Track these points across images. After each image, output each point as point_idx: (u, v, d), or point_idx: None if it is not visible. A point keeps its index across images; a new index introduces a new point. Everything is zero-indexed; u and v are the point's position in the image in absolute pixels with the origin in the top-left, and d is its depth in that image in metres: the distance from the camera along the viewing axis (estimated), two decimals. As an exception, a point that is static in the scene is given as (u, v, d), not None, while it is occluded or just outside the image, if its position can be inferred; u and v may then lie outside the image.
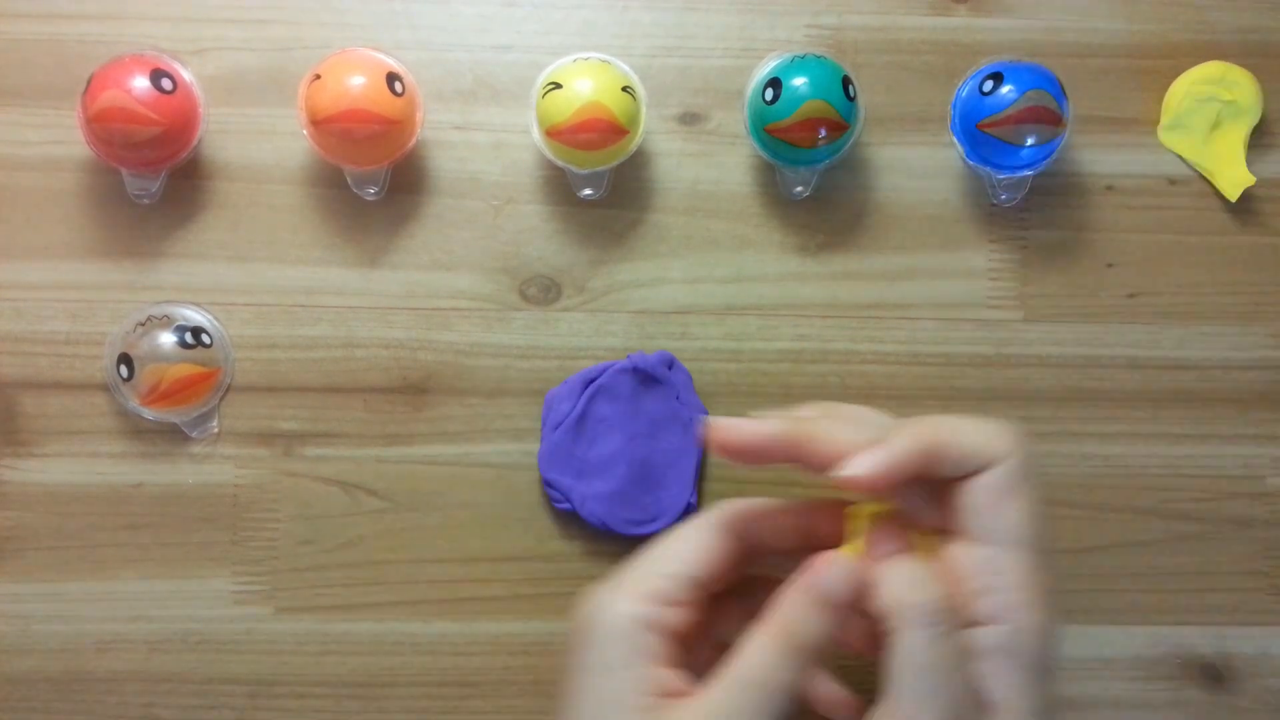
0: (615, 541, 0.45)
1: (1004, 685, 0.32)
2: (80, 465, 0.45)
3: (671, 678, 0.34)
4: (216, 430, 0.45)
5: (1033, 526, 0.33)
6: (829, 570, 0.33)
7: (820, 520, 0.36)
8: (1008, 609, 0.32)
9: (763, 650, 0.32)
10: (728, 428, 0.35)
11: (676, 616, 0.34)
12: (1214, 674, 0.46)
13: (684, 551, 0.35)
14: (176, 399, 0.44)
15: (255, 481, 0.45)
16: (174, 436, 0.45)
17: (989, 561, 0.33)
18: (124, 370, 0.43)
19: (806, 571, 0.33)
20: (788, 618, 0.33)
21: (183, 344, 0.44)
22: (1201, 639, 0.46)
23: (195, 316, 0.45)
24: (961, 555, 0.33)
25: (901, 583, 0.32)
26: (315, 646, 0.45)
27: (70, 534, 0.45)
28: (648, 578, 0.35)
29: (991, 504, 0.33)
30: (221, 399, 0.45)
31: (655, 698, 0.33)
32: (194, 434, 0.45)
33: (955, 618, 0.32)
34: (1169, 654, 0.46)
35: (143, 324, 0.44)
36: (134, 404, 0.44)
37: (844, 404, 0.36)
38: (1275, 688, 0.46)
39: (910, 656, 0.31)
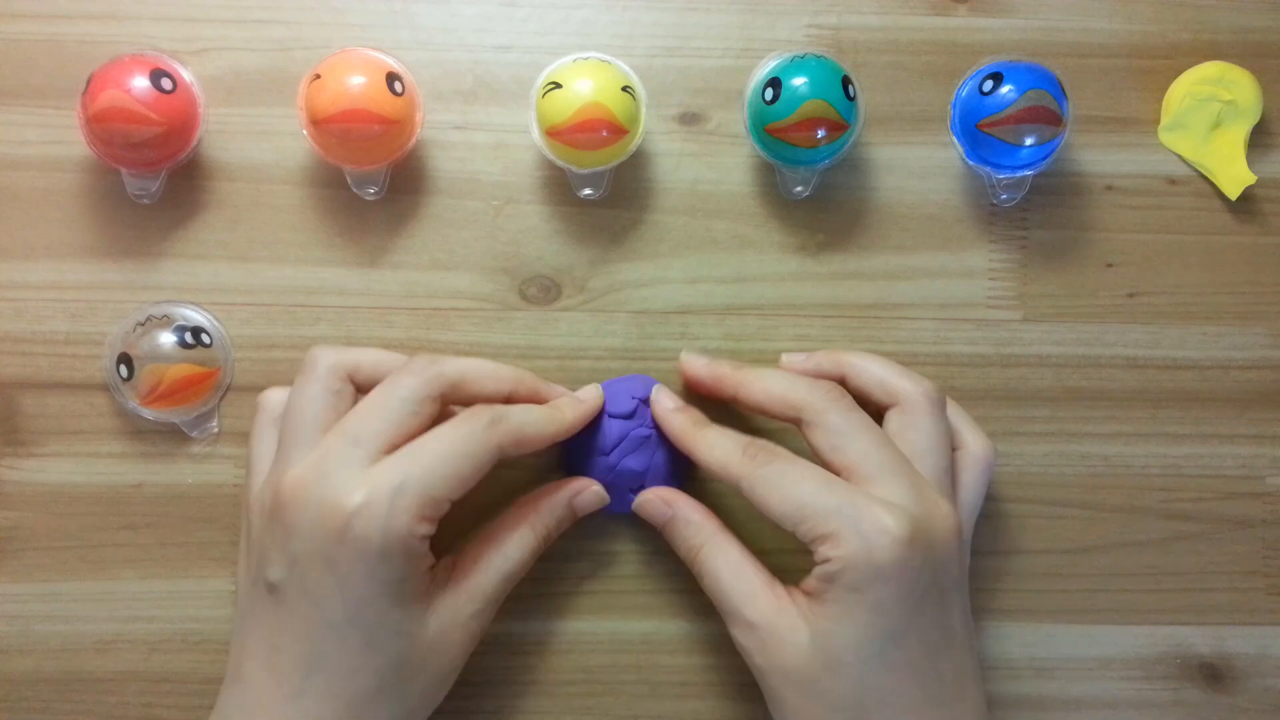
0: (616, 540, 0.45)
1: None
2: (80, 465, 0.45)
3: (429, 561, 0.39)
4: (216, 430, 0.45)
5: (927, 456, 0.40)
6: (589, 496, 0.43)
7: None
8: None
9: (517, 536, 0.41)
10: (790, 361, 0.44)
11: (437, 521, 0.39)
12: (1213, 674, 0.46)
13: (462, 470, 0.39)
14: (176, 399, 0.44)
15: (255, 481, 0.45)
16: (174, 436, 0.45)
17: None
18: (124, 370, 0.43)
19: (570, 487, 0.43)
20: (549, 520, 0.42)
21: (183, 344, 0.44)
22: (1201, 639, 0.46)
23: (195, 316, 0.45)
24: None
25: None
26: (315, 646, 0.45)
27: (70, 534, 0.45)
28: (426, 497, 0.38)
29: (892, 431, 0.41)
30: (221, 399, 0.45)
31: (420, 583, 0.38)
32: (194, 434, 0.45)
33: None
34: (1169, 654, 0.46)
35: (143, 324, 0.44)
36: (134, 404, 0.44)
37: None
38: (1275, 688, 0.46)
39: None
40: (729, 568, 0.40)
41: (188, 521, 0.45)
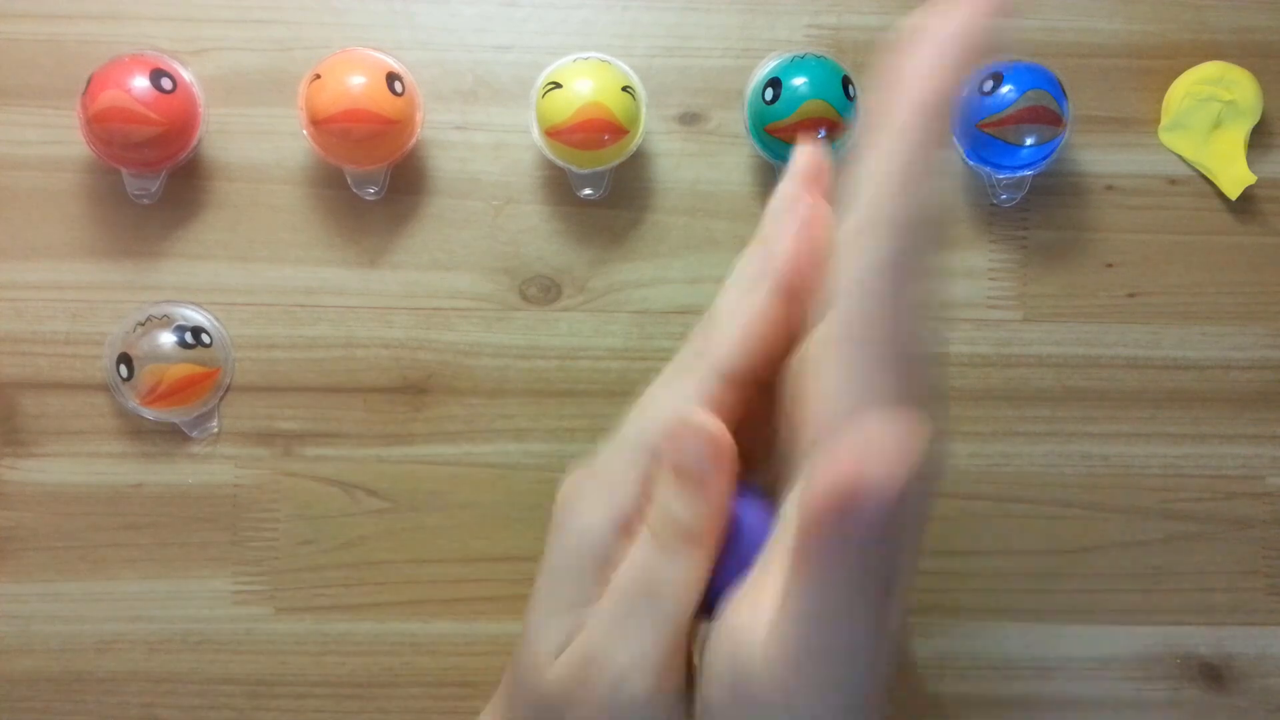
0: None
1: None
2: (80, 465, 0.45)
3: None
4: (216, 430, 0.45)
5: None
6: (685, 438, 0.28)
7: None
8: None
9: (641, 550, 0.28)
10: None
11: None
12: (1214, 674, 0.46)
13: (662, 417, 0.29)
14: (176, 399, 0.44)
15: (255, 481, 0.45)
16: (174, 436, 0.45)
17: None
18: (124, 370, 0.43)
19: (669, 439, 0.28)
20: (658, 506, 0.28)
21: (183, 344, 0.44)
22: (1201, 639, 0.46)
23: (195, 316, 0.45)
24: None
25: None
26: (315, 646, 0.45)
27: (70, 534, 0.45)
28: (619, 495, 0.29)
29: None
30: (221, 399, 0.45)
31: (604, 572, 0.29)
32: (194, 434, 0.45)
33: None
34: (1169, 654, 0.46)
35: (143, 324, 0.44)
36: (134, 404, 0.44)
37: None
38: (1275, 688, 0.46)
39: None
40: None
41: (188, 521, 0.45)
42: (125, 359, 0.43)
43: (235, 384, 0.45)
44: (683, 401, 0.29)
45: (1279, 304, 0.47)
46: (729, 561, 0.28)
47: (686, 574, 0.28)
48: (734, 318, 0.29)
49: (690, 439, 0.28)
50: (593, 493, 0.30)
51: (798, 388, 0.27)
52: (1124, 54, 0.47)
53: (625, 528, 0.29)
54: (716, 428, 0.28)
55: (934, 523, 0.44)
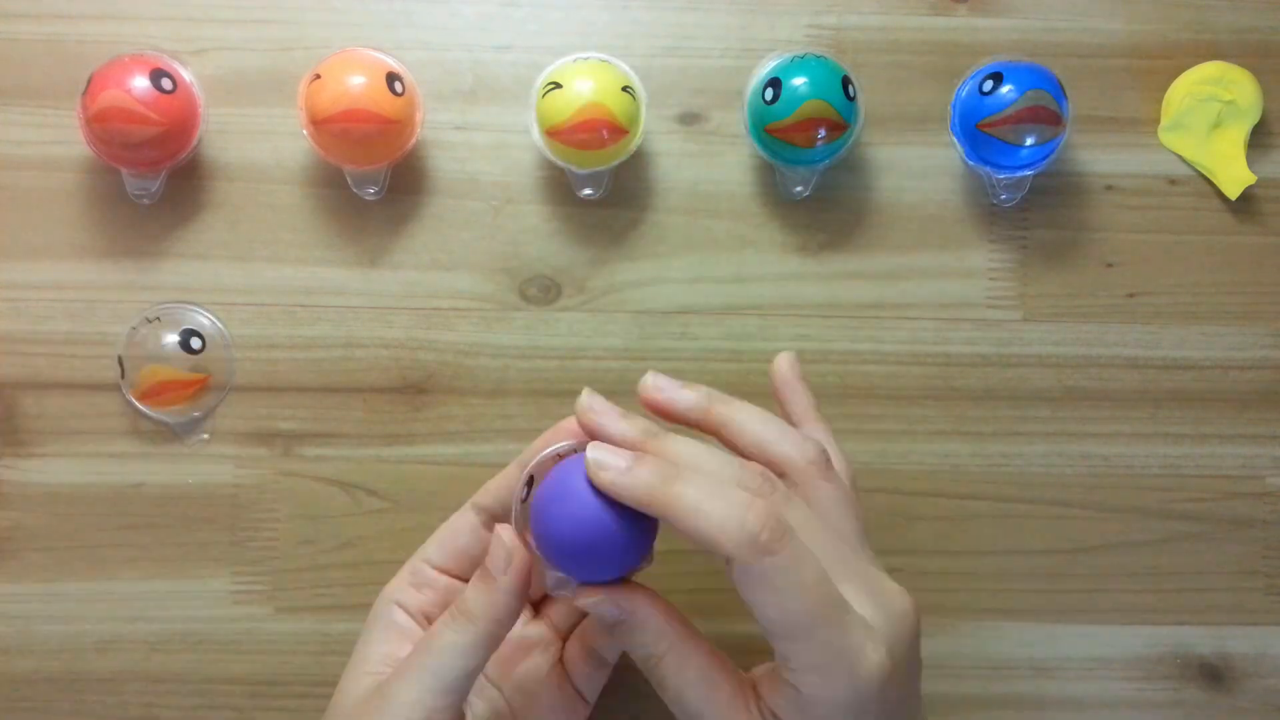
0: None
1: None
2: (80, 465, 0.45)
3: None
4: (207, 438, 0.45)
5: (844, 525, 0.35)
6: (492, 543, 0.35)
7: None
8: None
9: (438, 620, 0.36)
10: (658, 388, 0.36)
11: (426, 597, 0.39)
12: (1213, 674, 0.46)
13: (436, 537, 0.40)
14: (162, 400, 0.44)
15: (255, 481, 0.45)
16: (174, 436, 0.45)
17: None
18: (121, 367, 0.44)
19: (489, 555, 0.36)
20: (466, 592, 0.35)
21: (179, 347, 0.44)
22: (1201, 639, 0.46)
23: (199, 319, 0.45)
24: None
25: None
26: (315, 646, 0.45)
27: (70, 534, 0.45)
28: (406, 565, 0.39)
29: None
30: (216, 407, 0.45)
31: (386, 666, 0.37)
32: (185, 437, 0.45)
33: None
34: (1169, 654, 0.46)
35: (150, 321, 0.44)
36: (131, 398, 0.44)
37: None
38: (1275, 688, 0.46)
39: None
40: (696, 684, 0.34)
41: (188, 521, 0.45)
42: (121, 359, 0.44)
43: (236, 384, 0.45)
44: (447, 525, 0.39)
45: (1279, 304, 0.47)
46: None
47: (461, 640, 0.35)
48: (497, 476, 0.39)
49: (494, 545, 0.35)
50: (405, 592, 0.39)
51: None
52: (1124, 54, 0.47)
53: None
54: (512, 542, 0.35)
55: (934, 523, 0.44)
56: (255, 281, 0.46)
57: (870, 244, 0.47)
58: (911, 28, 0.47)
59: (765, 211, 0.46)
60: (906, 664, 0.34)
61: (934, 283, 0.47)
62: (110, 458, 0.45)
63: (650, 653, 0.34)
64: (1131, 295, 0.47)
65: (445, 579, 0.39)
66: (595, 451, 0.33)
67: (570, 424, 0.36)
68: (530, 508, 0.34)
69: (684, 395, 0.36)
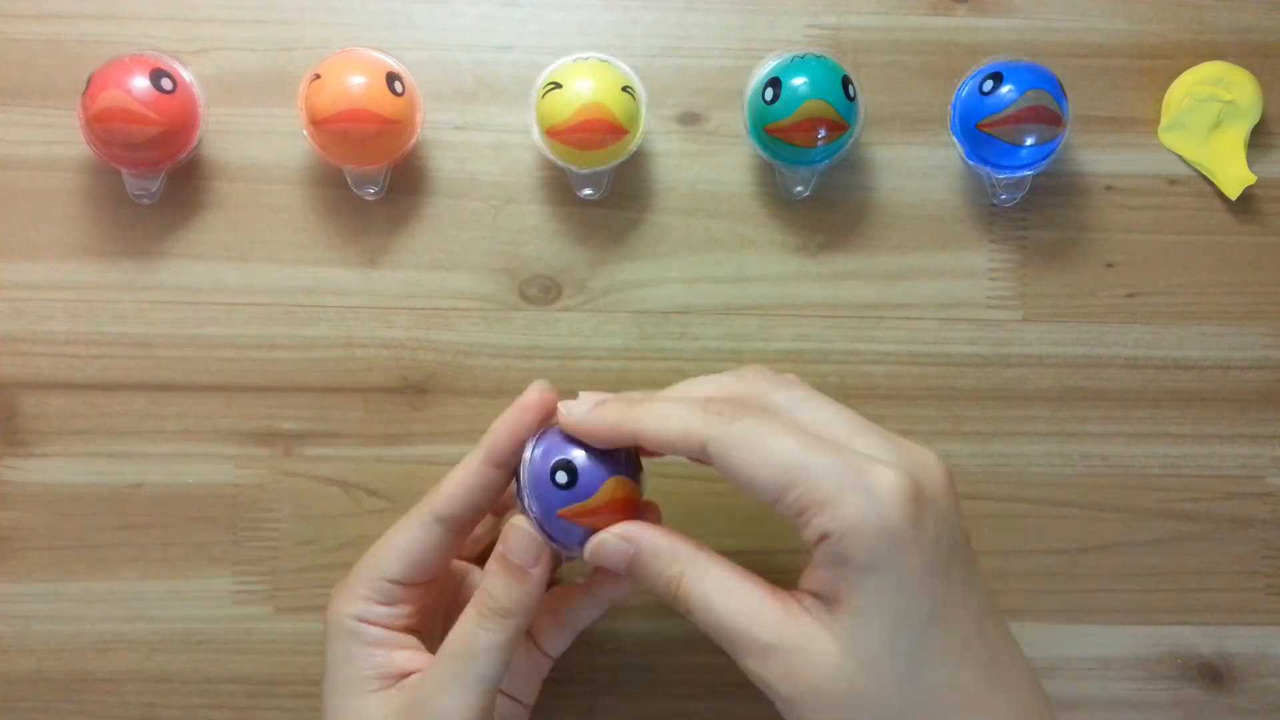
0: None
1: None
2: (80, 465, 0.45)
3: (408, 659, 0.37)
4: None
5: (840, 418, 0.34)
6: (512, 537, 0.35)
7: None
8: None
9: (465, 620, 0.35)
10: (574, 420, 0.35)
11: (395, 611, 0.37)
12: (1214, 674, 0.46)
13: (395, 550, 0.37)
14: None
15: (255, 481, 0.45)
16: (174, 436, 0.45)
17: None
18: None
19: (500, 538, 0.36)
20: (487, 586, 0.35)
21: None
22: (1201, 639, 0.46)
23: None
24: None
25: None
26: (315, 646, 0.45)
27: (70, 534, 0.45)
28: (358, 581, 0.38)
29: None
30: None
31: (383, 679, 0.36)
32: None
33: None
34: (1169, 654, 0.46)
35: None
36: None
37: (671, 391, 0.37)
38: (1275, 688, 0.46)
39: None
40: (719, 591, 0.33)
41: (188, 521, 0.45)
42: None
43: (236, 384, 0.45)
44: (406, 536, 0.37)
45: (1279, 304, 0.47)
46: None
47: (503, 640, 0.35)
48: (451, 476, 0.37)
49: (518, 537, 0.35)
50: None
51: None
52: (1124, 54, 0.47)
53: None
54: (537, 534, 0.35)
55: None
56: (255, 281, 0.46)
57: (870, 244, 0.47)
58: (911, 28, 0.47)
59: (765, 211, 0.46)
60: (942, 507, 0.32)
61: (934, 283, 0.47)
62: (110, 458, 0.45)
63: (668, 576, 0.34)
64: (1131, 295, 0.47)
65: (411, 591, 0.38)
66: (563, 404, 0.36)
67: (529, 399, 0.37)
68: (524, 491, 0.36)
69: (603, 414, 0.35)
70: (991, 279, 0.47)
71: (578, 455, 0.35)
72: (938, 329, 0.46)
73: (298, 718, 0.45)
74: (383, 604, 0.37)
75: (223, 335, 0.45)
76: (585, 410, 0.35)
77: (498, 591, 0.35)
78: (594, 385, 0.45)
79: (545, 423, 0.37)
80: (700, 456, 0.33)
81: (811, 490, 0.31)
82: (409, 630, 0.38)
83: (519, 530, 0.35)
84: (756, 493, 0.32)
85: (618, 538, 0.34)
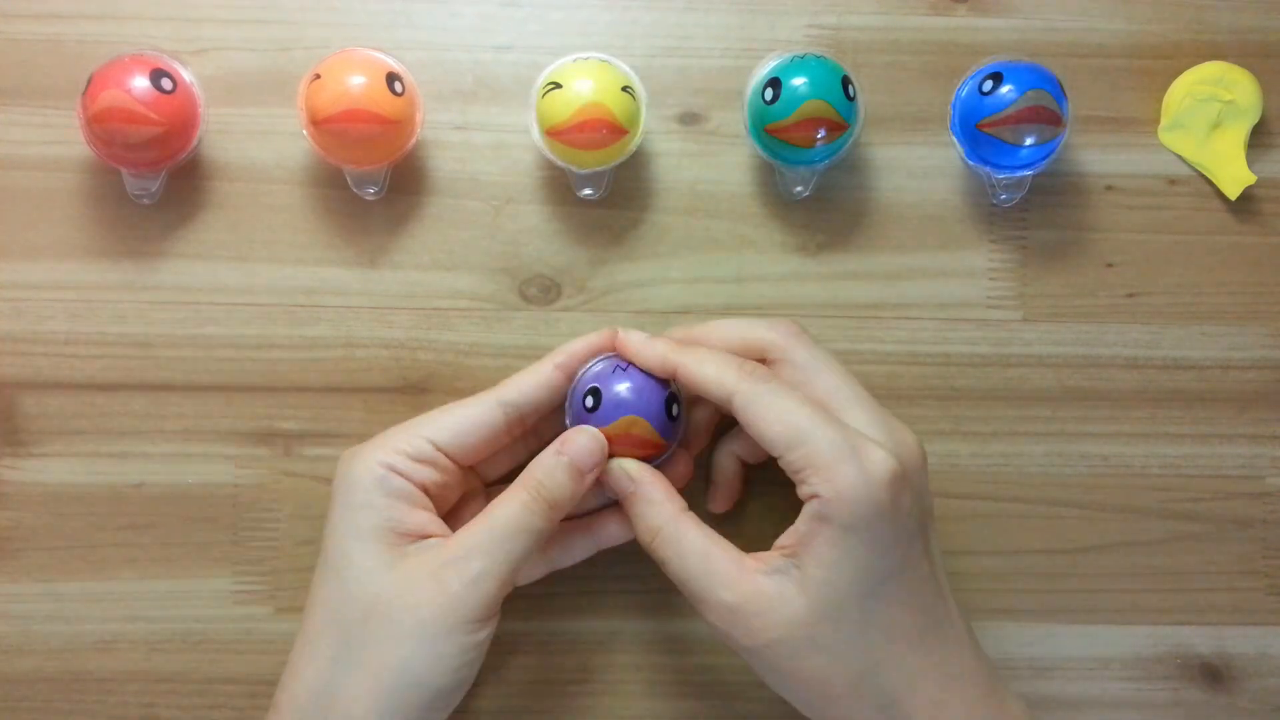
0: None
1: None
2: (80, 465, 0.45)
3: (425, 521, 0.39)
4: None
5: (845, 386, 0.39)
6: (581, 439, 0.39)
7: None
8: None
9: (513, 501, 0.38)
10: (629, 342, 0.41)
11: (427, 473, 0.39)
12: (1213, 674, 0.46)
13: (450, 417, 0.40)
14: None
15: (255, 481, 0.45)
16: (174, 436, 0.45)
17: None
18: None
19: (562, 438, 0.39)
20: (540, 476, 0.38)
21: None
22: (1201, 639, 0.46)
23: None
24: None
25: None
26: (315, 646, 0.45)
27: (70, 534, 0.45)
28: (398, 436, 0.39)
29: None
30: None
31: (399, 534, 0.38)
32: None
33: None
34: (1169, 654, 0.46)
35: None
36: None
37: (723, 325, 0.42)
38: (1275, 688, 0.46)
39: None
40: (693, 551, 0.38)
41: (188, 521, 0.45)
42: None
43: (236, 384, 0.45)
44: (463, 410, 0.40)
45: (1279, 304, 0.47)
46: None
47: (543, 528, 0.38)
48: (522, 372, 0.41)
49: (586, 440, 0.39)
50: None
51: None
52: (1124, 54, 0.47)
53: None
54: (602, 437, 0.39)
55: (935, 522, 0.44)
56: (255, 281, 0.46)
57: (870, 244, 0.47)
58: (911, 28, 0.47)
59: (765, 211, 0.46)
60: (917, 484, 0.38)
61: (934, 283, 0.47)
62: (110, 458, 0.45)
63: (652, 526, 0.38)
64: (1131, 295, 0.47)
65: (447, 462, 0.39)
66: (622, 331, 0.41)
67: (604, 332, 0.41)
68: (566, 406, 0.41)
69: (660, 340, 0.40)
70: (991, 279, 0.47)
71: (613, 387, 0.40)
72: (938, 329, 0.46)
73: (298, 718, 0.45)
74: (417, 461, 0.39)
75: (223, 335, 0.45)
76: (641, 339, 0.40)
77: (551, 483, 0.38)
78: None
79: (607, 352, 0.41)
80: (725, 405, 0.38)
81: (811, 454, 0.36)
82: (440, 498, 0.40)
83: (587, 434, 0.39)
84: (766, 444, 0.37)
85: (625, 472, 0.39)
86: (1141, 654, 0.46)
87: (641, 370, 0.40)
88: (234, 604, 0.45)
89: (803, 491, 0.37)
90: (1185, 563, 0.46)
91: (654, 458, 0.41)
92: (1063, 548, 0.46)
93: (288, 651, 0.45)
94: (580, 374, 0.41)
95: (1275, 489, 0.47)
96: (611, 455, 0.40)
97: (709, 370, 0.38)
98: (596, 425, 0.40)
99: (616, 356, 0.41)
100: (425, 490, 0.39)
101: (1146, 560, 0.46)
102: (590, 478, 0.39)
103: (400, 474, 0.38)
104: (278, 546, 0.45)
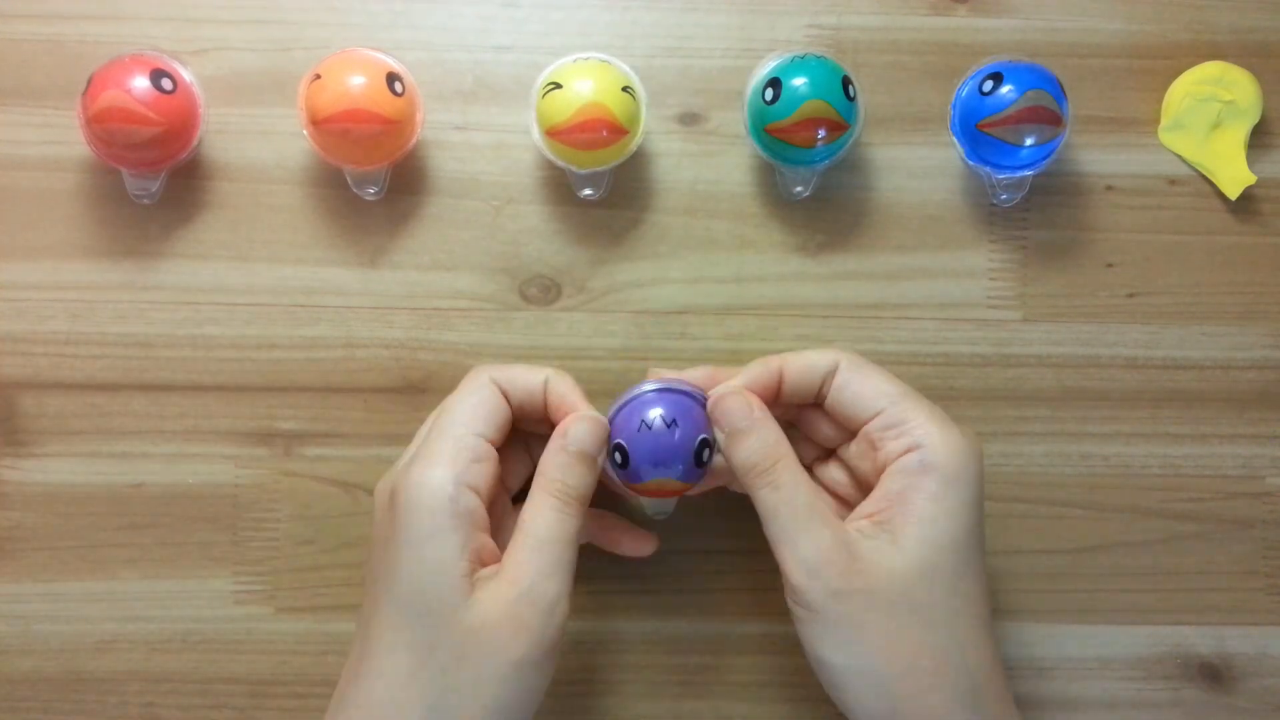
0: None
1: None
2: (80, 465, 0.45)
3: (487, 543, 0.37)
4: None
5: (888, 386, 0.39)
6: (581, 426, 0.38)
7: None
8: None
9: (548, 508, 0.37)
10: (729, 389, 0.40)
11: (483, 473, 0.38)
12: (1213, 674, 0.46)
13: (476, 409, 0.39)
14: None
15: (255, 481, 0.45)
16: (174, 436, 0.45)
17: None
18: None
19: (562, 431, 0.38)
20: (560, 475, 0.38)
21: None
22: (1201, 639, 0.46)
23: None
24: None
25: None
26: (315, 646, 0.45)
27: (70, 534, 0.45)
28: (450, 439, 0.38)
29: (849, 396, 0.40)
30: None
31: (475, 565, 0.37)
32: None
33: None
34: (1169, 654, 0.46)
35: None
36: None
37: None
38: (1275, 688, 0.46)
39: None
40: (805, 486, 0.37)
41: (188, 521, 0.45)
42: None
43: (236, 384, 0.45)
44: (497, 403, 0.39)
45: (1279, 304, 0.47)
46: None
47: (580, 526, 0.38)
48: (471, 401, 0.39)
49: (586, 427, 0.38)
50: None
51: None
52: (1124, 54, 0.47)
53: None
54: (600, 418, 0.39)
55: None
56: (255, 281, 0.46)
57: (870, 244, 0.47)
58: (911, 28, 0.47)
59: (765, 211, 0.46)
60: (981, 467, 0.38)
61: (934, 283, 0.47)
62: (110, 458, 0.45)
63: (772, 453, 0.38)
64: (1131, 295, 0.47)
65: (490, 453, 0.38)
66: (714, 395, 0.39)
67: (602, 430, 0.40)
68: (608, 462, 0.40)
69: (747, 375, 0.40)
70: (991, 279, 0.47)
71: (643, 448, 0.39)
72: (938, 329, 0.46)
73: (297, 718, 0.45)
74: (479, 461, 0.37)
75: (223, 335, 0.45)
76: (734, 385, 0.40)
77: (573, 479, 0.38)
78: (594, 385, 0.46)
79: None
80: (828, 374, 0.39)
81: (909, 411, 0.37)
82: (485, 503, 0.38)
83: (586, 419, 0.39)
84: (864, 406, 0.38)
85: (748, 404, 0.39)
86: (1141, 654, 0.46)
87: (684, 399, 0.39)
88: (234, 604, 0.45)
89: (893, 448, 0.37)
90: (1185, 563, 0.46)
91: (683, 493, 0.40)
92: (1063, 548, 0.46)
93: (288, 651, 0.45)
94: (612, 413, 0.40)
95: (1275, 489, 0.47)
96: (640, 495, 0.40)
97: (811, 354, 0.40)
98: (626, 479, 0.40)
99: (655, 388, 0.40)
100: (480, 493, 0.38)
101: (1146, 560, 0.46)
102: (602, 458, 0.39)
103: (470, 487, 0.37)
104: (278, 546, 0.45)
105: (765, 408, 0.39)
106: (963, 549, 0.36)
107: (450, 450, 0.37)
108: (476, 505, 0.37)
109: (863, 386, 0.39)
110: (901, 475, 0.37)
